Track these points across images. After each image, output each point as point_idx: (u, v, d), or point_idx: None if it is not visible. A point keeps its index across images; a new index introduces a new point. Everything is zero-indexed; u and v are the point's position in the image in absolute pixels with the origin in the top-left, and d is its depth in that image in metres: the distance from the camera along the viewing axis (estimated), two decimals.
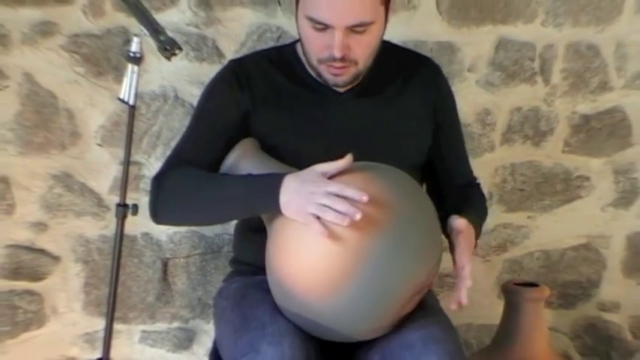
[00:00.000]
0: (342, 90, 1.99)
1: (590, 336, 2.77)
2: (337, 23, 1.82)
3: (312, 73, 1.98)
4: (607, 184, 2.71)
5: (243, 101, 1.98)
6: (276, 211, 1.75)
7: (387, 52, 2.00)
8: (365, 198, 1.64)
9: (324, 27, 1.84)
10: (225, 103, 1.99)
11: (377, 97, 2.01)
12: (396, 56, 2.06)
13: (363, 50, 1.89)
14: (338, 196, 1.66)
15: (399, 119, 2.01)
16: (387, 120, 2.00)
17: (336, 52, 1.85)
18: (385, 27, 1.93)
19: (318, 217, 1.66)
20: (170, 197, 1.91)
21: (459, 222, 1.81)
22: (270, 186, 1.76)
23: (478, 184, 2.17)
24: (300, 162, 1.80)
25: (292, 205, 1.72)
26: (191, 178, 1.90)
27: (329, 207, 1.65)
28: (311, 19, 1.84)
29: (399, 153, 1.92)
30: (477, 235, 1.93)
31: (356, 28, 1.84)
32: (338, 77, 1.92)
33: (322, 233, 1.64)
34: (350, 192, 1.66)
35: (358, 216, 1.62)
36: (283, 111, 1.98)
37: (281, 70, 2.02)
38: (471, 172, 2.16)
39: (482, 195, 2.15)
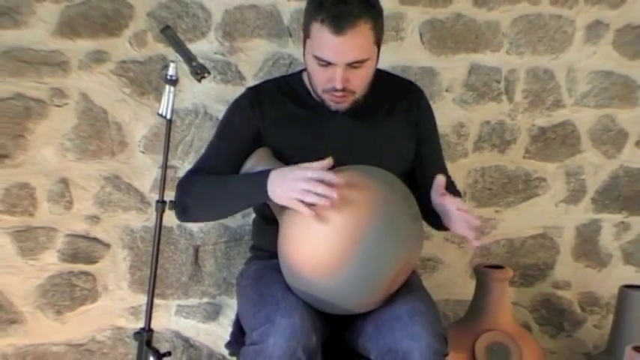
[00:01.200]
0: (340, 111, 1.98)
1: (546, 309, 2.75)
2: (338, 61, 1.83)
3: (315, 97, 1.98)
4: (560, 184, 2.69)
5: (255, 122, 1.98)
6: (267, 200, 1.77)
7: (379, 78, 1.99)
8: (341, 180, 1.64)
9: (327, 64, 1.84)
10: (241, 125, 1.99)
11: (369, 116, 1.99)
12: (386, 82, 2.05)
13: (359, 82, 1.89)
14: (318, 180, 1.66)
15: (386, 135, 2.00)
16: (377, 135, 1.99)
17: (337, 85, 1.85)
18: (377, 61, 1.93)
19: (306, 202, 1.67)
20: (190, 201, 1.93)
21: (439, 178, 1.80)
22: (259, 180, 1.79)
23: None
24: None
25: (278, 192, 1.74)
26: (204, 183, 1.92)
27: (310, 191, 1.66)
28: (316, 58, 1.84)
29: (386, 163, 1.88)
30: None
31: (354, 65, 1.84)
32: (339, 104, 1.92)
33: (310, 214, 1.65)
34: (328, 176, 1.66)
35: (335, 195, 1.62)
36: (290, 129, 1.98)
37: (288, 95, 2.02)
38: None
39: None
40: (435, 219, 1.87)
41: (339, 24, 1.78)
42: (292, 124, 1.98)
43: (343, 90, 1.86)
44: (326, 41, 1.80)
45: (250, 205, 1.97)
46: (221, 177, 1.92)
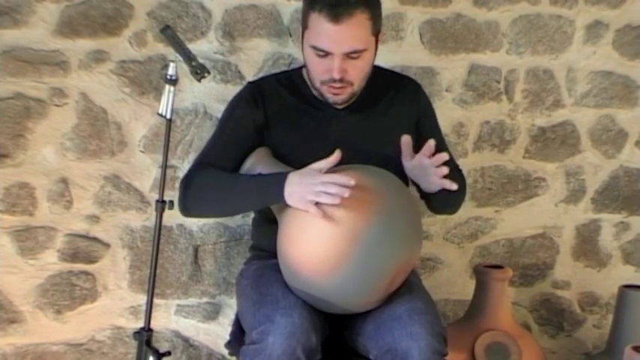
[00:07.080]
0: (340, 107, 1.98)
1: (546, 309, 2.75)
2: (336, 50, 1.84)
3: (315, 93, 1.98)
4: (559, 184, 2.69)
5: (257, 117, 1.98)
6: (282, 201, 1.77)
7: (377, 74, 2.01)
8: (352, 182, 1.66)
9: (325, 54, 1.85)
10: (243, 118, 1.99)
11: (368, 112, 2.01)
12: (384, 78, 2.06)
13: (357, 73, 1.89)
14: (331, 183, 1.68)
15: (386, 130, 2.00)
16: (377, 131, 2.00)
17: (335, 75, 1.86)
18: (375, 54, 1.94)
19: (317, 204, 1.68)
20: (197, 194, 1.92)
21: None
22: (276, 182, 1.79)
23: (460, 171, 2.10)
24: (305, 166, 1.80)
25: (294, 195, 1.74)
26: (214, 179, 1.91)
27: (323, 192, 1.67)
28: (315, 48, 1.86)
29: (386, 158, 1.91)
30: None
31: (351, 55, 1.85)
32: (337, 96, 1.92)
33: (319, 215, 1.67)
34: (339, 179, 1.68)
35: (346, 194, 1.65)
36: (292, 125, 1.98)
37: (290, 91, 2.02)
38: (456, 166, 2.08)
39: (462, 177, 2.08)
40: (429, 202, 1.96)
41: (337, 12, 1.81)
42: (294, 118, 1.99)
43: (341, 81, 1.87)
44: (324, 30, 1.83)
45: (261, 207, 1.95)
46: (232, 174, 1.92)
